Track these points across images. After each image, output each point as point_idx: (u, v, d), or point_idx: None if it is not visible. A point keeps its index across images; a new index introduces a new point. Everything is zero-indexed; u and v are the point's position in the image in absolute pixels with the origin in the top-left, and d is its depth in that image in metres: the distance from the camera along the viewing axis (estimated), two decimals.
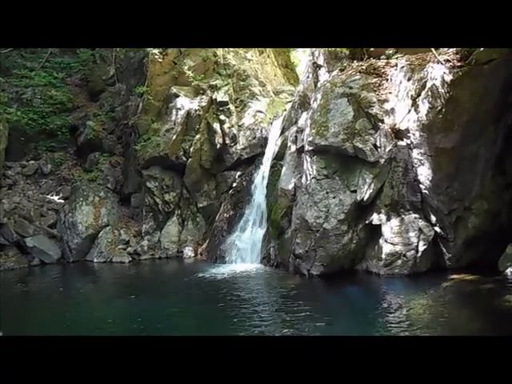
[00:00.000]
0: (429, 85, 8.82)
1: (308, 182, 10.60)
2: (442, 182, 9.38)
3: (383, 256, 9.69)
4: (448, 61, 8.52)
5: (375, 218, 9.91)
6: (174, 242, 14.33)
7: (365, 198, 9.90)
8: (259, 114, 14.69)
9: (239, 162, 14.44)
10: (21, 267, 12.85)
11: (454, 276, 9.26)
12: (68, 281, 12.21)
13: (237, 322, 7.47)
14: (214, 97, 14.84)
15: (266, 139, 14.14)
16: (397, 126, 9.82)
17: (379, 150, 9.89)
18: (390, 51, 10.80)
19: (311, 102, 11.53)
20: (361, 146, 9.95)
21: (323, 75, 12.22)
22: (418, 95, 9.18)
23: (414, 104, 9.32)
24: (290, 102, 14.71)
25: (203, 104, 14.68)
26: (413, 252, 9.53)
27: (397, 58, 10.49)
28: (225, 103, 14.75)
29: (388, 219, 9.78)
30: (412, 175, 9.70)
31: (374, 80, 10.50)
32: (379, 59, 10.87)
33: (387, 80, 10.43)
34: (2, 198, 13.74)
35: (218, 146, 14.46)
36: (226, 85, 15.07)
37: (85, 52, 17.18)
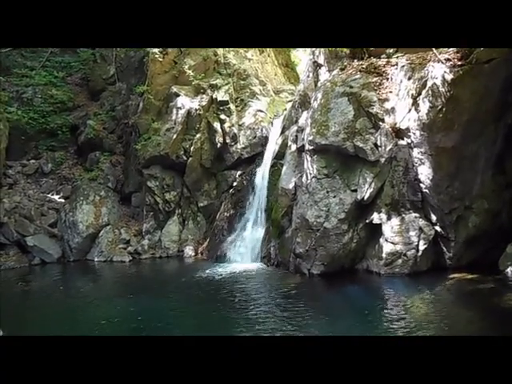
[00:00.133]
0: (429, 84, 8.82)
1: (308, 181, 10.59)
2: (443, 181, 9.38)
3: (384, 255, 9.69)
4: (448, 60, 8.52)
5: (376, 218, 9.92)
6: (175, 242, 14.33)
7: (365, 198, 9.90)
8: (260, 114, 14.68)
9: (240, 162, 14.43)
10: (21, 266, 12.85)
11: (455, 275, 9.27)
12: (68, 280, 12.20)
13: (237, 322, 7.48)
14: (214, 96, 14.81)
15: (266, 138, 14.13)
16: (397, 125, 9.81)
17: (380, 149, 9.89)
18: (391, 50, 10.78)
19: (311, 101, 11.53)
20: (361, 145, 9.95)
21: (324, 74, 12.21)
22: (419, 94, 9.17)
23: (415, 103, 9.31)
24: (290, 101, 14.71)
25: (203, 103, 14.66)
26: (413, 251, 9.54)
27: (397, 57, 10.49)
28: (225, 102, 14.73)
29: (388, 218, 9.78)
30: (412, 174, 9.70)
31: (375, 79, 10.50)
32: (380, 58, 10.86)
33: (388, 79, 10.42)
34: (3, 197, 13.74)
35: (219, 145, 14.45)
36: (227, 84, 15.05)
37: (85, 51, 17.15)
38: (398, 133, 9.83)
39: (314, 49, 12.66)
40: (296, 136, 11.89)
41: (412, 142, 9.54)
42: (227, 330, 7.09)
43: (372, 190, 9.86)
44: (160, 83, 15.07)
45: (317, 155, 10.51)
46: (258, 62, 16.93)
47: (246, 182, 13.96)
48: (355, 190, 10.05)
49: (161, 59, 14.97)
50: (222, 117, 14.63)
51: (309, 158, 10.71)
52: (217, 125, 14.54)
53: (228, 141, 14.39)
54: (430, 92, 8.79)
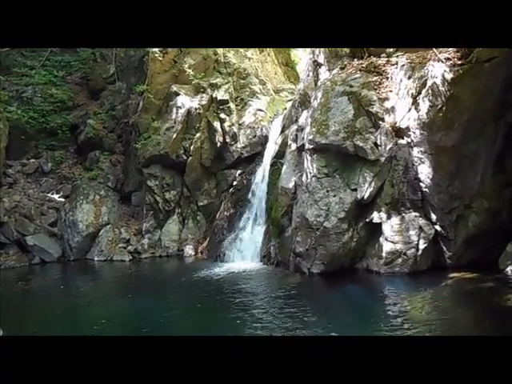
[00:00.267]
0: (429, 83, 8.81)
1: (308, 180, 10.60)
2: (443, 181, 9.39)
3: (383, 254, 9.70)
4: (449, 59, 8.51)
5: (375, 217, 9.92)
6: (175, 241, 14.35)
7: (365, 197, 9.90)
8: (259, 113, 14.68)
9: (239, 161, 14.43)
10: (21, 266, 12.87)
11: (455, 274, 9.27)
12: (68, 279, 12.22)
13: (237, 321, 7.48)
14: (214, 95, 14.81)
15: (266, 138, 14.14)
16: (397, 125, 9.81)
17: (379, 148, 9.89)
18: (391, 49, 10.76)
19: (311, 101, 11.52)
20: (361, 144, 9.95)
21: (324, 73, 12.20)
22: (419, 93, 9.17)
23: (415, 102, 9.31)
24: (290, 100, 14.71)
25: (203, 102, 14.66)
26: (413, 250, 9.54)
27: (397, 56, 10.47)
28: (225, 102, 14.73)
29: (388, 217, 9.78)
30: (412, 173, 9.70)
31: (375, 78, 10.49)
32: (380, 57, 10.85)
33: (388, 78, 10.41)
34: (3, 196, 13.74)
35: (219, 144, 14.45)
36: (227, 83, 15.04)
37: (85, 50, 17.13)
38: (398, 132, 9.83)
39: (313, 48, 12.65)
40: (296, 135, 11.89)
41: (412, 141, 9.54)
42: (227, 330, 7.09)
43: (372, 189, 9.86)
44: (160, 82, 15.06)
45: (317, 154, 10.51)
46: (257, 61, 16.92)
47: (245, 181, 13.96)
48: (355, 189, 10.05)
49: (161, 58, 14.96)
50: (222, 116, 14.62)
51: (309, 157, 10.71)
52: (217, 124, 14.54)
53: (228, 140, 14.39)
54: (430, 91, 8.78)
